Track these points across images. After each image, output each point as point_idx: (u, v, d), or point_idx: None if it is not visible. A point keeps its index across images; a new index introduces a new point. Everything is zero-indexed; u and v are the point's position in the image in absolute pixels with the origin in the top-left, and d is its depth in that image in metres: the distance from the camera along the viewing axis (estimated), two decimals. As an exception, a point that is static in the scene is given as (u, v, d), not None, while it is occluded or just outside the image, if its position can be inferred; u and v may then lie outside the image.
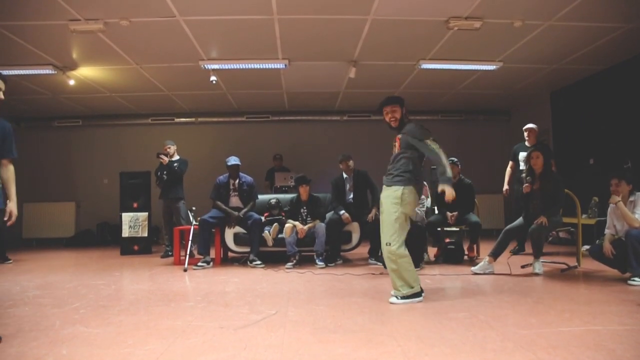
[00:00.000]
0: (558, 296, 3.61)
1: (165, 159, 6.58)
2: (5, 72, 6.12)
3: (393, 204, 3.43)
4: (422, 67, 6.55)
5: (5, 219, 2.95)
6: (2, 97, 2.87)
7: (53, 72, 6.33)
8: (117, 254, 7.05)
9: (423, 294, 3.49)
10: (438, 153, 3.38)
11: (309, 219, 5.69)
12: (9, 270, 5.51)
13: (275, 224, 5.73)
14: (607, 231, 4.42)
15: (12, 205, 2.96)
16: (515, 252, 5.84)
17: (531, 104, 8.81)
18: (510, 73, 7.02)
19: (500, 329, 2.68)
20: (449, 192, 3.35)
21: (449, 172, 3.37)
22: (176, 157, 6.78)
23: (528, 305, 3.30)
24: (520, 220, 4.87)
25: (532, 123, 6.19)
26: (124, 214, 7.14)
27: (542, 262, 4.80)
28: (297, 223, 5.59)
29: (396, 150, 3.61)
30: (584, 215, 5.25)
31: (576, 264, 4.99)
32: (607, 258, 4.26)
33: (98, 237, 9.16)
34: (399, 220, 3.41)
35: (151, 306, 3.46)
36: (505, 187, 6.23)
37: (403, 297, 3.40)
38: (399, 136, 3.59)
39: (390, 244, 3.41)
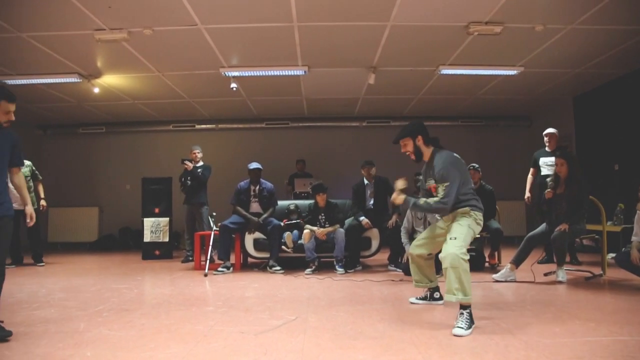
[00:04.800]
0: (583, 305, 3.53)
1: (190, 165, 6.64)
2: (33, 81, 6.46)
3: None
4: (442, 72, 6.52)
5: (28, 220, 3.13)
6: (13, 118, 2.90)
7: (78, 80, 6.50)
8: (139, 258, 7.16)
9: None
10: (432, 206, 3.23)
11: (327, 224, 5.67)
12: (35, 273, 5.64)
13: (288, 232, 5.75)
14: (634, 238, 4.30)
15: (29, 209, 3.16)
16: (542, 262, 5.67)
17: (553, 109, 8.67)
18: (532, 78, 6.93)
19: (524, 338, 2.63)
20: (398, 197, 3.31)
21: (419, 204, 3.27)
22: (200, 163, 6.85)
23: (552, 314, 3.23)
24: (543, 226, 4.77)
25: (552, 128, 6.04)
26: (145, 219, 7.25)
27: (566, 270, 4.70)
28: (315, 228, 5.60)
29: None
30: (609, 223, 5.12)
31: (601, 272, 4.88)
32: (635, 266, 4.16)
33: (120, 241, 9.32)
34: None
35: (172, 310, 3.51)
36: (527, 194, 6.05)
37: (469, 327, 2.79)
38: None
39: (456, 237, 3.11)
